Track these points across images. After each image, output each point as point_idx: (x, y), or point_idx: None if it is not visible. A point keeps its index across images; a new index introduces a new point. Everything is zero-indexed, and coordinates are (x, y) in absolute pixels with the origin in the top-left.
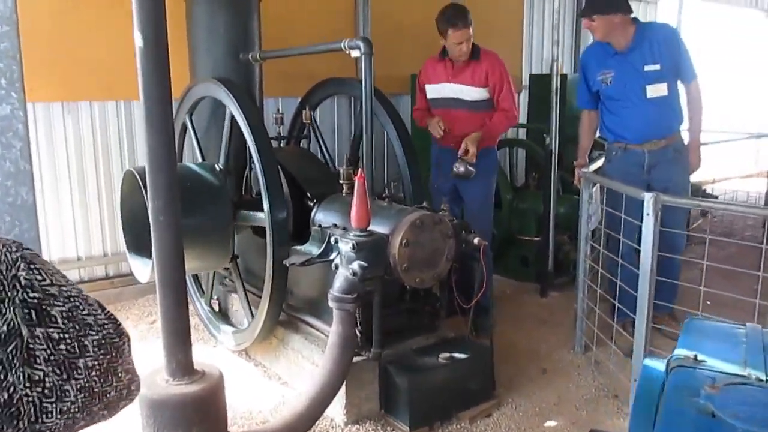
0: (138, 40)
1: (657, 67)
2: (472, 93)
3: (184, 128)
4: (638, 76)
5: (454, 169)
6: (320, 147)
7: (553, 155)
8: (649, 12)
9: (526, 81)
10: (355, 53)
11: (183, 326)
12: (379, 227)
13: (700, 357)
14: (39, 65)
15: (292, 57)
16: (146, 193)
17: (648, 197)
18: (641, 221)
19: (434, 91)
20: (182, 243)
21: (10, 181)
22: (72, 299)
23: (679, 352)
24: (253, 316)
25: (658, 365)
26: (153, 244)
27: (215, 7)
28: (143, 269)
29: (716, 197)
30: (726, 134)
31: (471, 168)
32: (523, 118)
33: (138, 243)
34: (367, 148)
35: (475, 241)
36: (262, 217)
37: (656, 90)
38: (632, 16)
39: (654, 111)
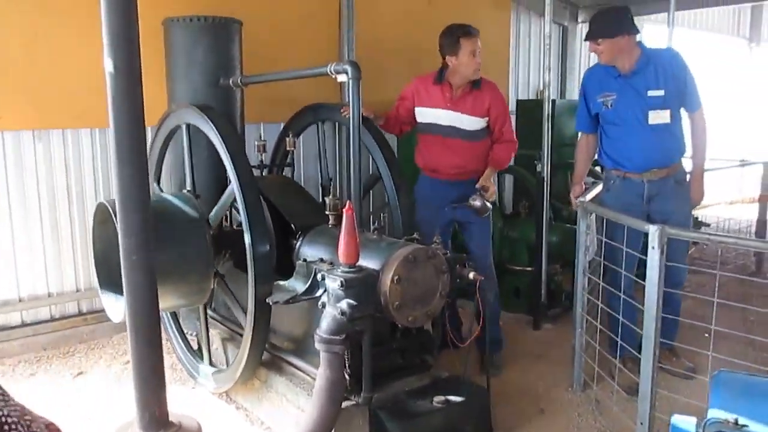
0: (108, 66)
1: (661, 92)
2: (472, 123)
3: (161, 156)
4: (641, 100)
5: (471, 202)
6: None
7: (545, 182)
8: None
9: (512, 106)
10: (341, 78)
11: (157, 375)
12: (368, 262)
13: (741, 421)
14: (8, 92)
15: (275, 82)
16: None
17: (653, 230)
18: (640, 252)
19: (428, 115)
20: (156, 284)
21: None
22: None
23: (716, 413)
24: (227, 358)
25: (688, 425)
26: (124, 285)
27: (194, 32)
28: (117, 307)
29: (708, 225)
30: (712, 161)
31: (488, 204)
32: None
33: (111, 279)
34: (354, 177)
35: (471, 275)
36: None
37: (658, 116)
38: (638, 39)
39: (655, 138)
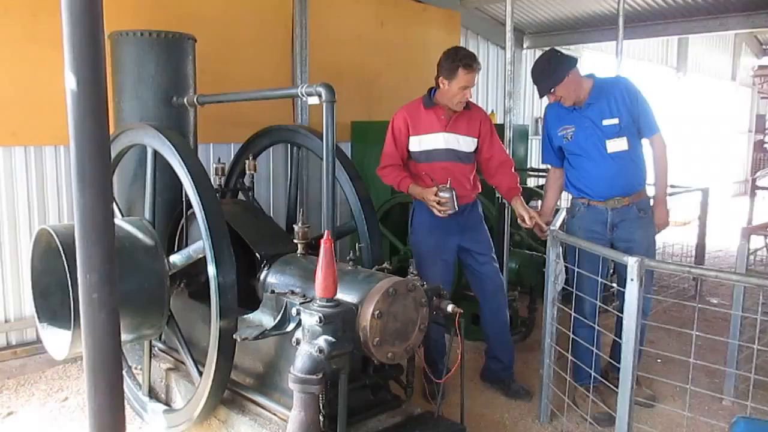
0: (70, 82)
1: (615, 120)
2: (468, 142)
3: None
4: (597, 130)
5: (440, 193)
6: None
7: (505, 210)
8: None
9: None
10: (313, 100)
11: (117, 426)
12: (345, 296)
13: None
14: None
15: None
16: (67, 261)
17: (633, 262)
18: (600, 277)
19: (427, 142)
20: (119, 325)
21: None
22: None
23: None
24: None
25: None
26: (84, 327)
27: (145, 47)
28: (59, 343)
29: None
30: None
31: (456, 203)
32: None
33: (51, 311)
34: (327, 205)
35: (449, 308)
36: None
37: (616, 145)
38: (589, 73)
39: (615, 167)
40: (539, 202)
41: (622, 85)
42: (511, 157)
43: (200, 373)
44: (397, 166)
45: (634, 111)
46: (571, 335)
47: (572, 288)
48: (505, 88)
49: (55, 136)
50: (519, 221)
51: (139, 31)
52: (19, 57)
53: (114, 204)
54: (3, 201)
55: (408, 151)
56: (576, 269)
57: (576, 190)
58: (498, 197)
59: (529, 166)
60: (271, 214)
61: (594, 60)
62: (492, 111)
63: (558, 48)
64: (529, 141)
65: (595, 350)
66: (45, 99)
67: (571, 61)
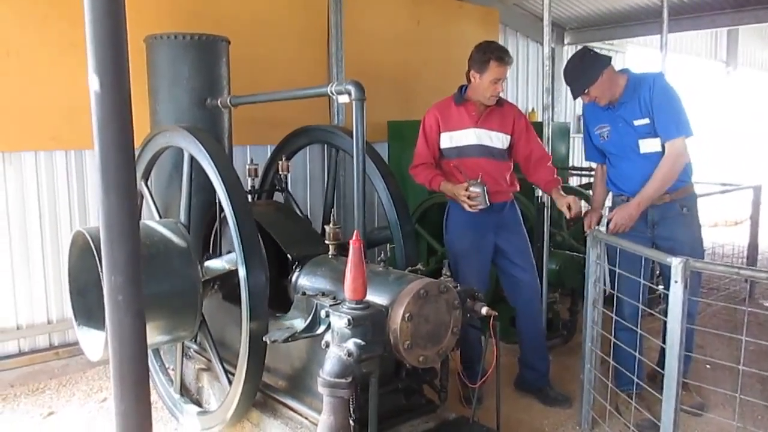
0: (93, 84)
1: (646, 121)
2: (501, 139)
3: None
4: (630, 130)
5: (470, 188)
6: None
7: (545, 209)
8: (618, 60)
9: None
10: (343, 99)
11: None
12: (375, 298)
13: None
14: None
15: (260, 103)
16: (99, 263)
17: (677, 263)
18: (643, 278)
19: (457, 138)
20: (145, 326)
21: None
22: None
23: None
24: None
25: None
26: (108, 328)
27: (180, 50)
28: (95, 345)
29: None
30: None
31: (486, 198)
32: None
33: (89, 313)
34: (359, 204)
35: (483, 310)
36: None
37: (649, 145)
38: (624, 68)
39: (651, 166)
40: (581, 201)
41: (652, 83)
42: (549, 152)
43: (228, 378)
44: (428, 165)
45: (652, 111)
46: (612, 339)
47: (612, 289)
48: (543, 85)
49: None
50: (564, 210)
51: (173, 34)
52: (59, 63)
53: (153, 206)
54: (45, 204)
55: (440, 149)
56: (617, 270)
57: (615, 188)
58: (538, 197)
59: (570, 165)
60: (308, 215)
61: (639, 55)
62: (532, 109)
63: (592, 46)
64: (571, 139)
65: (637, 355)
66: (83, 104)
67: (605, 60)
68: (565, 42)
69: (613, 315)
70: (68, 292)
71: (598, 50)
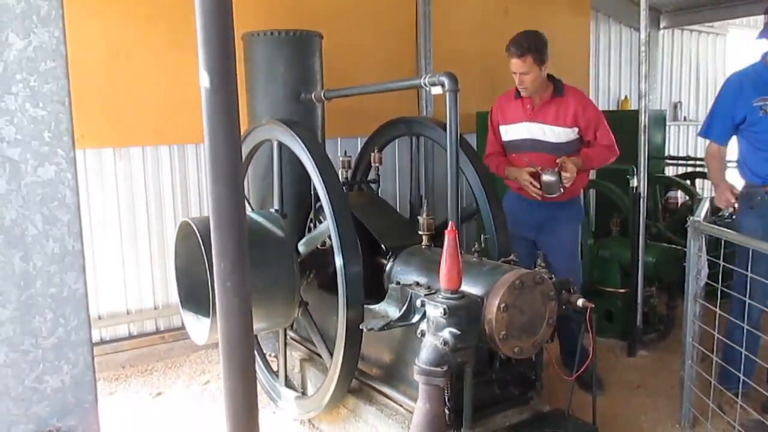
0: (204, 80)
1: None
2: (557, 133)
3: (244, 173)
4: None
5: (543, 176)
6: None
7: (641, 198)
8: (718, 44)
9: None
10: (436, 90)
11: (250, 409)
12: (470, 288)
13: None
14: (90, 110)
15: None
16: (205, 251)
17: None
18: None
19: (511, 131)
20: (251, 312)
21: (53, 266)
22: None
23: None
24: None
25: None
26: (218, 312)
27: (275, 46)
28: (200, 329)
29: None
30: None
31: (561, 186)
32: None
33: (193, 299)
34: (452, 196)
35: (580, 302)
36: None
37: None
38: None
39: None
40: (678, 192)
41: None
42: (615, 143)
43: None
44: (497, 154)
45: None
46: (722, 338)
47: (716, 284)
48: (640, 72)
49: (195, 135)
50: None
51: (269, 31)
52: (163, 62)
53: (245, 198)
54: (151, 196)
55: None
56: (748, 273)
57: (758, 177)
58: (633, 187)
59: (666, 154)
60: (397, 207)
61: (743, 37)
62: (625, 97)
63: (690, 29)
64: (667, 127)
65: (751, 356)
66: (186, 100)
67: None
68: (661, 26)
69: (717, 311)
70: (174, 279)
71: (696, 33)
